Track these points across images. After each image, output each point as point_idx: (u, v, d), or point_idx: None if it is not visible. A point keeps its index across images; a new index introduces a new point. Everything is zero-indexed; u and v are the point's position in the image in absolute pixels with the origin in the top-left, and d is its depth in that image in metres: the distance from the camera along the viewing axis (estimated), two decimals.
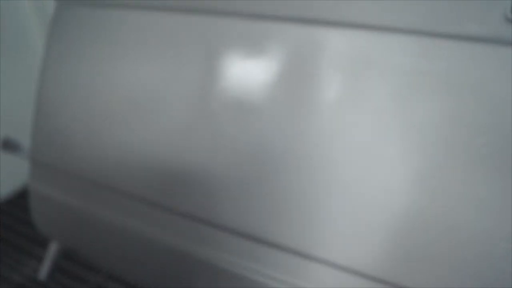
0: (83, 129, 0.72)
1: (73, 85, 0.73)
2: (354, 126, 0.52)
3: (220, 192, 0.61)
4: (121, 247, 0.73)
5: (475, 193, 0.46)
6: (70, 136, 0.74)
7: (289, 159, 0.55)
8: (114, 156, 0.70)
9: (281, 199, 0.56)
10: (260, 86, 0.57)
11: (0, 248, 1.46)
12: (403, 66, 0.49)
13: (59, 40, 0.74)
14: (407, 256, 0.49)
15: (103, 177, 0.71)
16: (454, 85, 0.47)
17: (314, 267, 0.55)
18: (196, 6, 0.62)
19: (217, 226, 0.62)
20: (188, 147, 0.62)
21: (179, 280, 0.71)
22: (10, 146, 0.84)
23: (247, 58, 0.58)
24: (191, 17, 0.63)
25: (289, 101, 0.55)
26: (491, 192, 0.45)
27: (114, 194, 0.70)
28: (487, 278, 0.45)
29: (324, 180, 0.53)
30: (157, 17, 0.66)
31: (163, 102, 0.64)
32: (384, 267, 0.50)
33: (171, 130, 0.64)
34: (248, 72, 0.58)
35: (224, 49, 0.60)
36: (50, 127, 0.76)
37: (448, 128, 0.47)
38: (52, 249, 0.78)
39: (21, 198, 1.69)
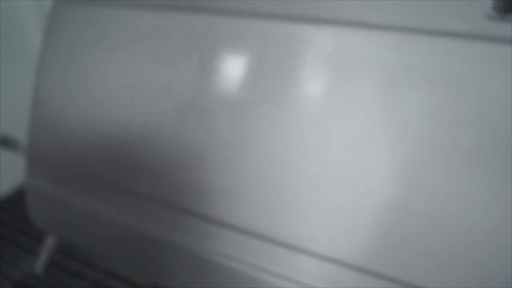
0: (78, 125, 0.74)
1: (69, 82, 0.75)
2: (340, 121, 0.53)
3: (213, 187, 0.62)
4: (116, 240, 0.75)
5: (458, 186, 0.47)
6: (65, 132, 0.75)
7: (276, 152, 0.56)
8: (109, 152, 0.71)
9: (268, 192, 0.57)
10: (247, 82, 0.58)
11: (0, 245, 1.47)
12: (387, 63, 0.50)
13: (56, 38, 0.76)
14: (392, 247, 0.50)
15: (98, 172, 0.72)
16: (437, 81, 0.48)
17: (301, 258, 0.56)
18: (189, 5, 0.64)
19: (210, 220, 0.63)
20: (180, 142, 0.63)
21: (173, 273, 0.72)
22: (8, 143, 0.85)
23: (238, 55, 0.59)
24: (184, 15, 0.64)
25: (276, 96, 0.57)
26: (473, 185, 0.46)
27: (108, 188, 0.72)
28: (469, 267, 0.47)
29: (312, 173, 0.54)
30: (151, 15, 0.67)
31: (157, 98, 0.66)
32: (369, 257, 0.51)
33: (164, 126, 0.65)
34: (236, 68, 0.59)
35: (216, 47, 0.61)
36: (46, 123, 0.77)
37: (431, 123, 0.48)
38: (48, 243, 0.80)
39: (21, 195, 1.70)
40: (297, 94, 0.55)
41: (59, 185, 0.77)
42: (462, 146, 0.46)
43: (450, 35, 0.47)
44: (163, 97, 0.65)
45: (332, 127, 0.53)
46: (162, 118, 0.64)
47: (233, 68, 0.59)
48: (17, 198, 1.71)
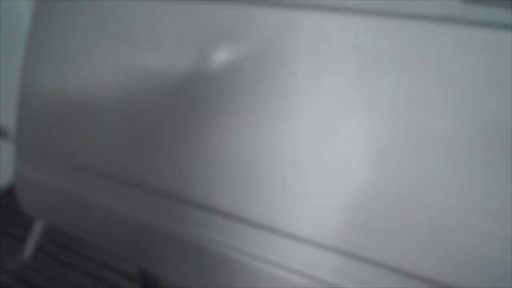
0: (65, 113, 0.74)
1: (56, 72, 0.75)
2: (316, 104, 0.53)
3: (200, 172, 0.63)
4: (104, 227, 0.76)
5: (429, 166, 0.48)
6: (53, 121, 0.76)
7: (252, 135, 0.57)
8: (95, 140, 0.72)
9: (244, 174, 0.58)
10: (227, 63, 0.58)
11: None
12: (362, 46, 0.51)
13: (42, 28, 0.76)
14: (366, 227, 0.51)
15: (86, 160, 0.73)
16: (411, 64, 0.49)
17: (277, 239, 0.57)
18: None
19: (198, 206, 0.64)
20: (167, 128, 0.64)
21: (161, 259, 0.73)
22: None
23: (220, 39, 0.60)
24: (171, 4, 0.65)
25: (251, 78, 0.57)
26: (443, 166, 0.47)
27: (96, 176, 0.73)
28: (439, 247, 0.47)
29: (287, 155, 0.55)
30: (137, 4, 0.67)
31: (144, 86, 0.66)
32: (344, 238, 0.52)
33: (151, 113, 0.66)
34: (217, 52, 0.60)
35: (200, 34, 0.62)
36: (33, 113, 0.78)
37: (407, 105, 0.49)
38: (36, 229, 0.81)
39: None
40: (273, 76, 0.56)
41: (47, 173, 0.78)
42: (438, 129, 0.46)
43: (425, 18, 0.48)
44: (149, 84, 0.66)
45: (306, 109, 0.53)
46: (148, 105, 0.65)
47: (211, 52, 0.59)
48: (13, 191, 1.72)
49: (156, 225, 0.69)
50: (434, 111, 0.47)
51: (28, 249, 0.81)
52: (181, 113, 0.63)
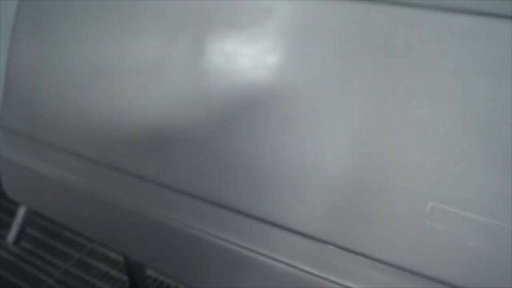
0: (50, 96, 0.74)
1: (41, 53, 0.75)
2: (294, 91, 0.53)
3: (180, 156, 0.63)
4: (88, 212, 0.76)
5: (409, 155, 0.47)
6: (37, 103, 0.76)
7: (232, 123, 0.57)
8: (80, 123, 0.71)
9: (228, 161, 0.57)
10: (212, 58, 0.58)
11: None
12: (341, 32, 0.50)
13: (29, 9, 0.76)
14: (346, 216, 0.50)
15: (70, 143, 0.73)
16: (391, 50, 0.48)
17: (262, 228, 0.57)
18: None
19: (177, 190, 0.63)
20: (151, 113, 0.64)
21: (146, 247, 0.73)
22: None
23: (203, 31, 0.60)
24: None
25: (232, 65, 0.57)
26: (424, 154, 0.47)
27: (81, 160, 0.72)
28: (419, 237, 0.47)
29: (265, 144, 0.55)
30: None
31: (128, 69, 0.66)
32: (325, 228, 0.52)
33: (134, 96, 0.65)
34: (198, 46, 0.60)
35: (194, 23, 0.61)
36: (18, 94, 0.78)
37: (384, 91, 0.48)
38: (20, 214, 0.81)
39: None
40: (255, 63, 0.55)
41: (32, 156, 0.78)
42: (416, 116, 0.46)
43: (405, 4, 0.47)
44: (132, 67, 0.65)
45: (284, 96, 0.53)
46: (132, 86, 0.65)
47: (192, 40, 0.59)
48: None
49: (141, 213, 0.69)
50: (416, 98, 0.47)
51: (12, 235, 0.81)
52: (169, 98, 0.63)
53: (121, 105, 0.68)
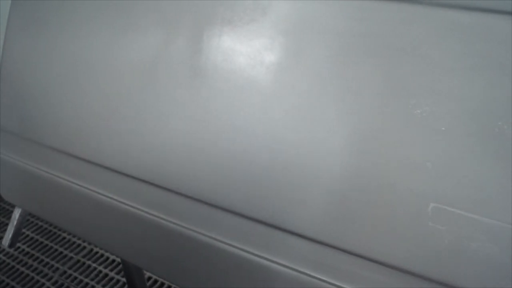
0: (44, 96, 0.73)
1: (36, 53, 0.74)
2: (293, 89, 0.52)
3: (177, 158, 0.62)
4: (84, 214, 0.75)
5: (410, 154, 0.47)
6: (32, 103, 0.75)
7: (230, 123, 0.56)
8: (76, 124, 0.70)
9: (223, 163, 0.57)
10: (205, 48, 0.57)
11: None
12: (340, 30, 0.49)
13: (21, 9, 0.75)
14: (346, 218, 0.50)
15: (65, 144, 0.72)
16: (391, 48, 0.47)
17: (258, 230, 0.56)
18: None
19: (175, 192, 0.63)
20: (143, 110, 0.63)
21: (143, 250, 0.72)
22: None
23: (192, 28, 0.59)
24: None
25: (230, 64, 0.56)
26: (425, 153, 0.46)
27: (76, 161, 0.71)
28: (421, 239, 0.46)
29: (265, 143, 0.54)
30: None
31: (124, 68, 0.65)
32: (325, 230, 0.51)
33: (131, 96, 0.64)
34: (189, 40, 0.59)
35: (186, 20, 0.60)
36: (12, 95, 0.77)
37: (384, 90, 0.47)
38: (16, 216, 0.80)
39: None
40: (252, 61, 0.54)
41: (27, 158, 0.77)
42: (417, 115, 0.45)
43: (405, 1, 0.46)
44: (129, 66, 0.64)
45: (283, 95, 0.52)
46: (129, 87, 0.64)
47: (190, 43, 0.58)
48: None
49: (138, 215, 0.68)
50: (416, 97, 0.46)
51: (8, 236, 0.81)
52: (166, 98, 0.62)
53: (117, 106, 0.67)
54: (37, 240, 1.44)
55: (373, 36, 0.49)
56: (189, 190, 0.63)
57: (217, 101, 0.58)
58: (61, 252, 1.40)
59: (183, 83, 0.61)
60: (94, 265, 1.36)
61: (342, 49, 0.51)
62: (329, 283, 0.53)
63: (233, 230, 0.60)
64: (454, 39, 0.45)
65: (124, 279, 1.30)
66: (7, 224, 1.51)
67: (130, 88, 0.66)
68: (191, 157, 0.61)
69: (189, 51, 0.60)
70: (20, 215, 0.83)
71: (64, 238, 1.47)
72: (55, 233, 1.50)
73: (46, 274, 1.32)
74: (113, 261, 1.39)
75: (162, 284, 1.34)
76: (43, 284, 1.28)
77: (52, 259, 1.38)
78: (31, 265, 1.35)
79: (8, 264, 1.35)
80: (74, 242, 1.45)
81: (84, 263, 1.37)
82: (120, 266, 1.37)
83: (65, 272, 1.33)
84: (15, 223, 0.82)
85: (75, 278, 1.31)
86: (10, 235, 0.81)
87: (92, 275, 1.32)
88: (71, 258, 1.39)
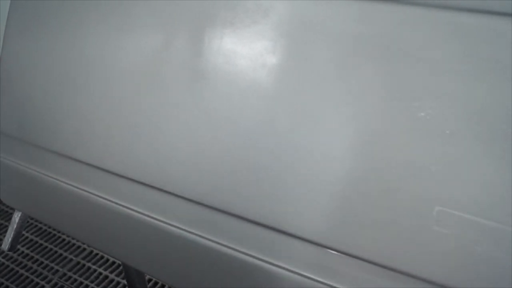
0: (44, 99, 0.72)
1: (35, 55, 0.73)
2: (296, 92, 0.52)
3: (178, 161, 0.61)
4: (85, 216, 0.74)
5: (414, 157, 0.46)
6: (31, 107, 0.74)
7: (232, 126, 0.56)
8: (75, 127, 0.70)
9: (227, 165, 0.56)
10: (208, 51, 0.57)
11: None
12: (343, 31, 0.49)
13: (21, 9, 0.74)
14: (351, 222, 0.49)
15: (65, 147, 0.71)
16: (394, 50, 0.47)
17: (259, 233, 0.56)
18: None
19: (175, 196, 0.62)
20: (144, 113, 0.62)
21: (143, 254, 0.72)
22: None
23: (194, 28, 0.58)
24: None
25: (233, 66, 0.55)
26: (428, 156, 0.46)
27: (75, 164, 0.71)
28: (424, 241, 0.46)
29: (267, 146, 0.53)
30: None
31: (125, 70, 0.65)
32: (329, 234, 0.51)
33: (132, 98, 0.64)
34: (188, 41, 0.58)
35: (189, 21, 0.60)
36: (11, 98, 0.76)
37: (388, 93, 0.47)
38: (16, 220, 0.80)
39: None
40: (255, 64, 0.54)
41: (26, 161, 0.76)
42: (420, 118, 0.45)
43: (409, 3, 0.46)
44: (130, 68, 0.64)
45: (286, 98, 0.52)
46: (129, 89, 0.63)
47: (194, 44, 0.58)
48: None
49: (139, 218, 0.67)
50: (420, 99, 0.46)
51: (7, 240, 0.80)
52: (167, 100, 0.61)
53: (118, 109, 0.66)
54: (36, 242, 1.44)
55: (376, 39, 0.49)
56: (191, 193, 0.62)
57: (219, 104, 0.57)
58: (61, 254, 1.40)
59: (184, 86, 0.60)
60: (94, 267, 1.36)
61: (345, 51, 0.51)
62: (333, 287, 0.52)
63: (236, 233, 0.60)
64: (459, 42, 0.45)
65: (124, 281, 1.30)
66: (6, 227, 1.51)
67: (131, 90, 0.65)
68: (193, 160, 0.60)
69: (191, 54, 0.59)
70: (20, 219, 0.83)
71: (63, 240, 1.46)
72: (54, 235, 1.49)
73: (46, 277, 1.31)
74: (113, 263, 1.38)
75: (163, 286, 1.34)
76: (43, 286, 1.28)
77: (52, 261, 1.37)
78: (31, 267, 1.34)
79: (7, 266, 1.35)
80: (73, 244, 1.44)
81: (84, 265, 1.36)
82: (120, 268, 1.37)
83: (64, 274, 1.33)
84: (15, 226, 0.81)
85: (75, 280, 1.30)
86: (10, 239, 0.81)
87: (92, 277, 1.32)
88: (71, 260, 1.38)
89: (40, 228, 1.51)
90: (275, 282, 0.58)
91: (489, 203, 0.44)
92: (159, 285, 1.34)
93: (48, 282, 1.29)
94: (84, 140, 0.71)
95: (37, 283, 1.29)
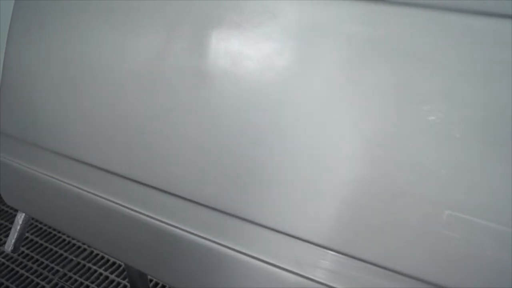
0: (46, 100, 0.72)
1: (37, 56, 0.73)
2: (304, 94, 0.51)
3: (181, 162, 0.61)
4: (87, 217, 0.74)
5: (424, 161, 0.46)
6: (33, 107, 0.74)
7: (235, 128, 0.55)
8: (78, 128, 0.69)
9: (229, 167, 0.56)
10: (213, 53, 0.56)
11: None
12: (353, 34, 0.49)
13: (24, 10, 0.73)
14: (360, 225, 0.49)
15: (67, 148, 0.71)
16: (403, 53, 0.47)
17: (265, 235, 0.55)
18: None
19: (178, 197, 0.62)
20: (147, 114, 0.62)
21: (145, 255, 0.71)
22: None
23: (196, 30, 0.58)
24: None
25: (236, 67, 0.55)
26: (439, 160, 0.45)
27: (78, 165, 0.70)
28: (433, 245, 0.46)
29: (274, 149, 0.53)
30: None
31: (128, 71, 0.64)
32: (334, 237, 0.51)
33: (134, 99, 0.64)
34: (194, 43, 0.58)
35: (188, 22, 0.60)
36: (14, 99, 0.75)
37: (397, 96, 0.47)
38: (19, 221, 0.79)
39: None
40: (263, 66, 0.53)
41: (28, 161, 0.76)
42: (429, 120, 0.45)
43: (417, 5, 0.46)
44: (133, 69, 0.63)
45: (294, 99, 0.51)
46: (132, 90, 0.63)
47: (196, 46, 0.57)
48: None
49: (141, 219, 0.67)
50: (430, 103, 0.45)
51: (11, 241, 0.80)
52: (170, 101, 0.61)
53: (120, 109, 0.66)
54: (37, 242, 1.43)
55: (385, 41, 0.48)
56: (194, 195, 0.62)
57: (225, 106, 0.57)
58: (61, 255, 1.39)
59: (190, 88, 0.60)
60: (94, 267, 1.35)
61: (353, 54, 0.50)
62: None
63: (238, 235, 0.60)
64: (469, 45, 0.45)
65: (124, 282, 1.30)
66: (7, 227, 1.50)
67: (134, 91, 0.65)
68: (196, 162, 0.60)
69: (197, 55, 0.59)
70: (23, 220, 0.82)
71: (64, 240, 1.45)
72: (55, 235, 1.48)
73: (46, 277, 1.30)
74: (114, 263, 1.38)
75: (163, 287, 1.34)
76: (43, 286, 1.27)
77: (52, 262, 1.36)
78: (31, 268, 1.34)
79: (8, 266, 1.34)
80: (74, 244, 1.44)
81: (84, 266, 1.36)
82: (121, 268, 1.36)
83: (65, 274, 1.32)
84: (18, 227, 0.81)
85: (76, 280, 1.30)
86: (13, 240, 0.80)
87: (93, 277, 1.31)
88: (71, 260, 1.37)
89: (41, 228, 1.50)
90: (279, 284, 0.58)
91: (501, 207, 0.43)
92: (159, 285, 1.33)
93: (48, 283, 1.28)
94: (86, 141, 0.71)
95: (38, 284, 1.28)
